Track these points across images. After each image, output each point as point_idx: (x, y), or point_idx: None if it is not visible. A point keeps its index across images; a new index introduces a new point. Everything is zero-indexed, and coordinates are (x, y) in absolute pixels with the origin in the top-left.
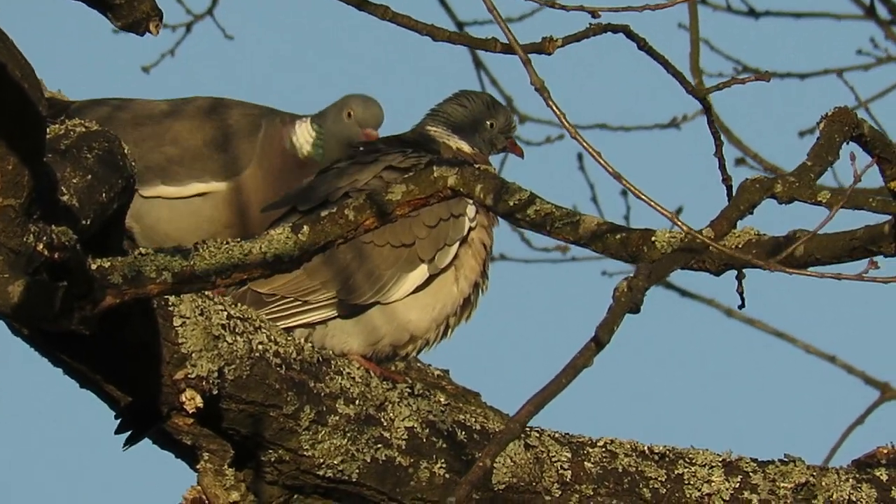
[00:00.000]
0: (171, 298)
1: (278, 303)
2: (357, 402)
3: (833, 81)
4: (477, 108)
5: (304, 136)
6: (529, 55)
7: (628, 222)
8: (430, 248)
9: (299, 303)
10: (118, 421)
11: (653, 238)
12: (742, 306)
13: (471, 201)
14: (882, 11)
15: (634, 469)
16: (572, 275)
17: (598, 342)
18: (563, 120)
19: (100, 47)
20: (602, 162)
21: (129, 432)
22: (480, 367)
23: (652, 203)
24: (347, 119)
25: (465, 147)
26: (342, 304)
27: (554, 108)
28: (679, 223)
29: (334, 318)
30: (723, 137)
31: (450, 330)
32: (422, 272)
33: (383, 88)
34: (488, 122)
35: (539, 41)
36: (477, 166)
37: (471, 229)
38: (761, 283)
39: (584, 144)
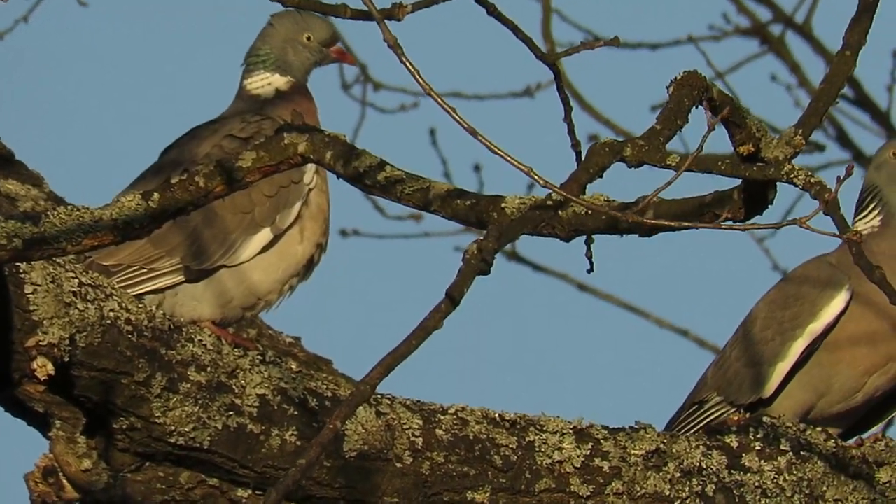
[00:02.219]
0: (23, 266)
1: (125, 272)
2: (208, 369)
3: (689, 54)
4: (286, 28)
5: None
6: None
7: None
8: (271, 211)
9: (145, 270)
10: None
11: (503, 204)
12: (591, 271)
13: (309, 165)
14: None
15: (486, 436)
16: (425, 249)
17: (448, 303)
18: (418, 77)
19: None
20: (457, 118)
21: None
22: (333, 334)
23: (507, 157)
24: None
25: (281, 83)
26: (188, 269)
27: (408, 64)
28: (535, 176)
29: (182, 283)
30: (576, 105)
31: (292, 290)
32: (265, 234)
33: (238, 58)
34: (305, 36)
35: (389, 7)
36: (327, 133)
37: (309, 191)
38: (614, 257)
39: (439, 101)
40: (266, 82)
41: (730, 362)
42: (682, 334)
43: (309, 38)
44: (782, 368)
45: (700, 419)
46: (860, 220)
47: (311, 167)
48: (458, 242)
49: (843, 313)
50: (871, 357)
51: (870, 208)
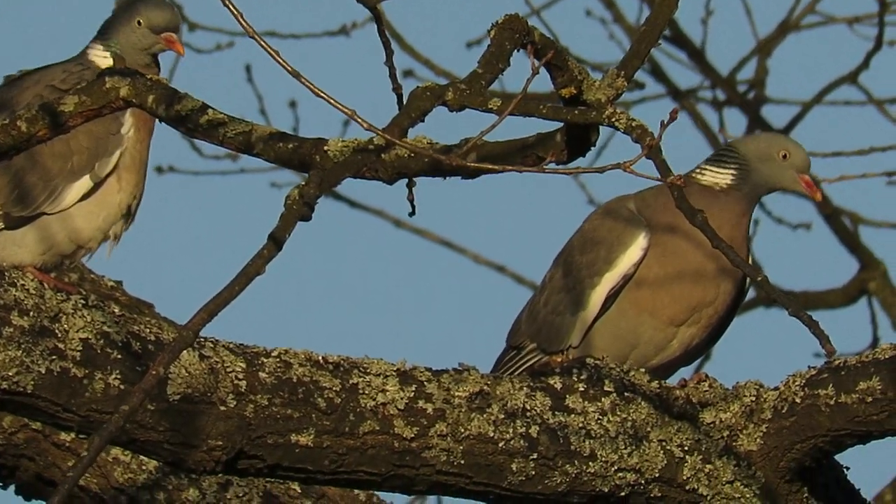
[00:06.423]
0: None
1: None
2: (31, 313)
3: None
4: (122, 9)
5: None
6: None
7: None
8: (91, 159)
9: None
10: None
11: (325, 147)
12: (413, 214)
13: (126, 117)
14: None
15: (309, 379)
16: (242, 186)
17: (271, 248)
18: (241, 19)
19: None
20: (280, 61)
21: None
22: (153, 278)
23: (331, 101)
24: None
25: (110, 60)
26: (8, 216)
27: (231, 7)
28: (359, 120)
29: (1, 229)
30: (395, 45)
31: (116, 238)
32: (85, 181)
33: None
34: (136, 20)
35: None
36: (149, 77)
37: (127, 141)
38: (431, 195)
39: (262, 44)
40: (103, 57)
41: (538, 308)
42: (499, 270)
43: (139, 23)
44: (585, 318)
45: (518, 364)
46: (710, 168)
47: (128, 118)
48: (274, 178)
49: (641, 261)
50: (673, 307)
51: (728, 169)
